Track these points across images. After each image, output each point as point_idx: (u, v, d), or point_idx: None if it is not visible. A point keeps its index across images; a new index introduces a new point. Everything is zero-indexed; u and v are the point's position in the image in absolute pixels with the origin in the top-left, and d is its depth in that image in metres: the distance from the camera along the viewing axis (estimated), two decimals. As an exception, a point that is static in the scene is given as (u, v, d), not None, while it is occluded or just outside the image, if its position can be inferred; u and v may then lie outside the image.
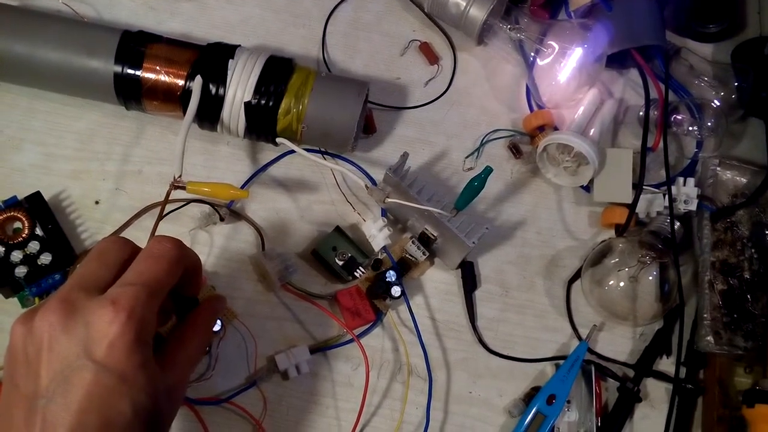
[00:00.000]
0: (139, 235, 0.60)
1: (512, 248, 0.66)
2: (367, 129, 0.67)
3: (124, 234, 0.60)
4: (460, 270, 0.64)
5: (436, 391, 0.61)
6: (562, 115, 0.69)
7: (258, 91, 0.60)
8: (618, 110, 0.70)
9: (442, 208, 0.58)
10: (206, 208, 0.62)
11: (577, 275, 0.65)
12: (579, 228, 0.67)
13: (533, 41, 0.68)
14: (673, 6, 0.72)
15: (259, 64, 0.61)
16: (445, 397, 0.62)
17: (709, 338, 0.61)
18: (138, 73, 0.60)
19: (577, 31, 0.66)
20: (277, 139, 0.62)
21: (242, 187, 0.65)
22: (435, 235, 0.61)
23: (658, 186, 0.66)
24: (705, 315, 0.62)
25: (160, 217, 0.58)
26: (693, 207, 0.64)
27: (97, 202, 0.63)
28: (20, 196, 0.60)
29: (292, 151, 0.64)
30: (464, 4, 0.67)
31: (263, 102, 0.60)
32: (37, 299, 0.58)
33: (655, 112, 0.67)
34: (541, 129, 0.67)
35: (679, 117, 0.67)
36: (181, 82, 0.60)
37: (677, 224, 0.64)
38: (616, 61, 0.68)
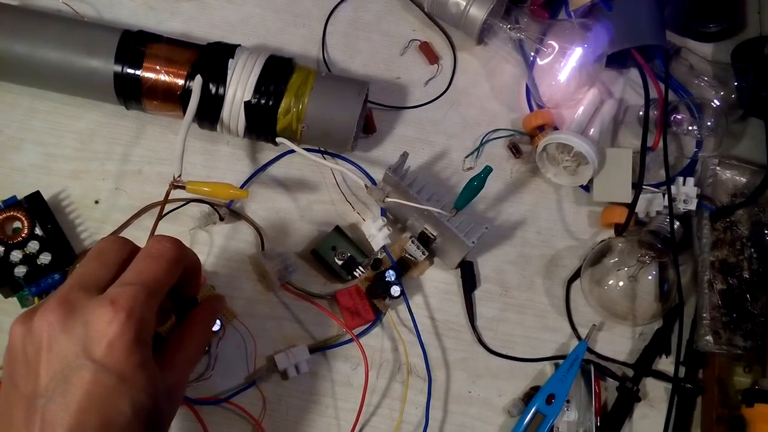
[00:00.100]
0: (138, 234, 0.60)
1: (512, 248, 0.66)
2: (367, 129, 0.67)
3: (124, 234, 0.61)
4: (459, 269, 0.64)
5: (435, 391, 0.61)
6: (561, 115, 0.69)
7: (258, 90, 0.60)
8: (618, 110, 0.70)
9: (441, 208, 0.58)
10: (206, 207, 0.62)
11: (576, 275, 0.65)
12: (578, 227, 0.67)
13: (533, 41, 0.68)
14: (673, 6, 0.72)
15: (259, 64, 0.61)
16: (444, 396, 0.62)
17: (709, 338, 0.61)
18: (138, 72, 0.60)
19: (577, 30, 0.66)
20: (277, 139, 0.62)
21: (242, 186, 0.65)
22: (434, 234, 0.61)
23: (657, 185, 0.66)
24: (704, 314, 0.62)
25: (160, 217, 0.58)
26: (692, 206, 0.64)
27: (96, 202, 0.64)
28: (20, 196, 0.60)
29: (292, 151, 0.64)
30: (464, 3, 0.67)
31: (263, 101, 0.60)
32: (36, 299, 0.59)
33: (655, 112, 0.67)
34: (541, 129, 0.67)
35: (678, 117, 0.67)
36: (181, 82, 0.60)
37: (677, 224, 0.64)
38: (616, 60, 0.68)
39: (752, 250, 0.64)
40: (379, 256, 0.62)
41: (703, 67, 0.70)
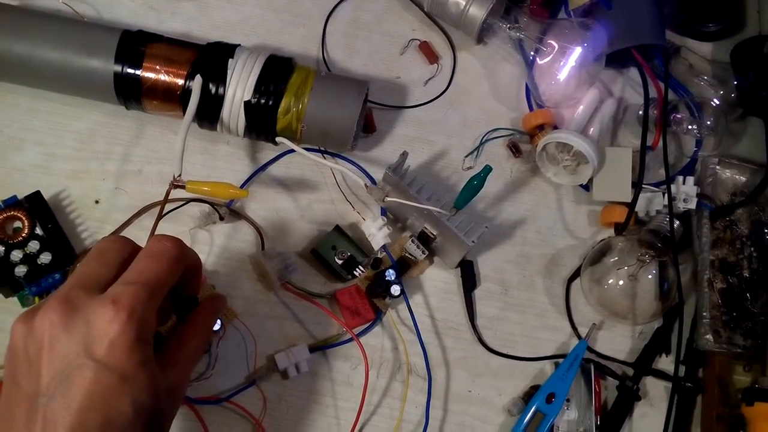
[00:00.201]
0: (139, 234, 0.60)
1: (512, 247, 0.66)
2: (367, 128, 0.67)
3: (124, 233, 0.61)
4: (459, 269, 0.64)
5: (435, 390, 0.61)
6: (561, 114, 0.69)
7: (258, 90, 0.60)
8: (617, 109, 0.70)
9: (441, 207, 0.58)
10: (206, 207, 0.62)
11: (576, 274, 0.65)
12: (578, 227, 0.67)
13: (533, 40, 0.68)
14: (673, 5, 0.72)
15: (258, 64, 0.61)
16: (444, 395, 0.62)
17: (709, 336, 0.61)
18: (138, 72, 0.60)
19: (576, 30, 0.66)
20: (277, 139, 0.62)
21: (242, 186, 0.65)
22: (434, 234, 0.61)
23: (657, 185, 0.66)
24: (704, 313, 0.62)
25: (160, 217, 0.58)
26: (692, 205, 0.64)
27: (97, 202, 0.64)
28: (20, 196, 0.60)
29: (292, 151, 0.64)
30: (464, 3, 0.67)
31: (263, 101, 0.60)
32: (36, 299, 0.59)
33: (655, 111, 0.67)
34: (541, 128, 0.67)
35: (678, 116, 0.67)
36: (180, 82, 0.60)
37: (676, 223, 0.64)
38: (616, 60, 0.68)
39: (752, 249, 0.64)
40: (379, 256, 0.62)
41: (703, 67, 0.70)
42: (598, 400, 0.61)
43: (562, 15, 0.73)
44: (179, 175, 0.57)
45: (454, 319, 0.64)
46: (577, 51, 0.65)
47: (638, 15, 0.67)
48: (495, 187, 0.67)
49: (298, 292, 0.62)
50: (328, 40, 0.71)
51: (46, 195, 0.61)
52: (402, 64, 0.71)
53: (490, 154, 0.69)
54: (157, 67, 0.60)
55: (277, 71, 0.61)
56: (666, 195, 0.64)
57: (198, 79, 0.59)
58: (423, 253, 0.62)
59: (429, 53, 0.71)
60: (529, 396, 0.61)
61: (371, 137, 0.68)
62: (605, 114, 0.68)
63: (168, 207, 0.60)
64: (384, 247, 0.62)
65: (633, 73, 0.71)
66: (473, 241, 0.57)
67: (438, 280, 0.64)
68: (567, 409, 0.61)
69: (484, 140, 0.68)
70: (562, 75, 0.66)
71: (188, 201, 0.62)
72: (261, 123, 0.61)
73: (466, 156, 0.68)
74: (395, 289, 0.60)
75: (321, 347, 0.61)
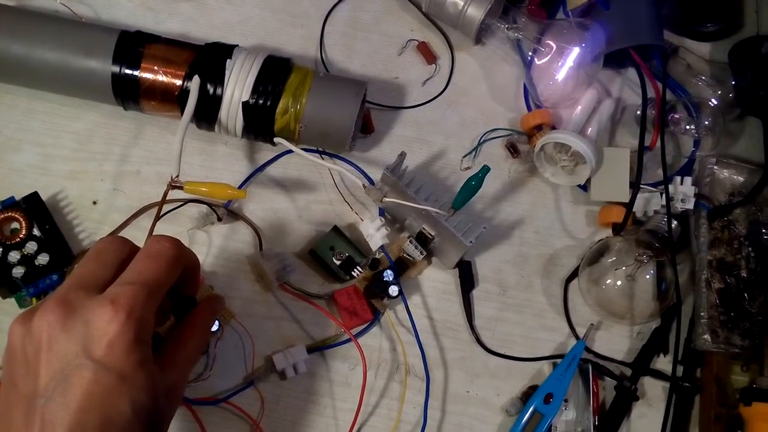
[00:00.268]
0: (137, 235, 0.60)
1: (510, 247, 0.66)
2: (365, 128, 0.67)
3: (122, 234, 0.60)
4: (457, 269, 0.64)
5: (433, 391, 0.61)
6: (559, 115, 0.69)
7: (256, 90, 0.60)
8: (615, 109, 0.70)
9: (439, 208, 0.58)
10: (204, 208, 0.62)
11: (574, 274, 0.65)
12: (576, 227, 0.67)
13: (531, 41, 0.68)
14: (671, 5, 0.72)
15: (256, 64, 0.61)
16: (442, 396, 0.62)
17: (706, 336, 0.61)
18: (136, 73, 0.60)
19: (574, 30, 0.66)
20: (275, 139, 0.62)
21: (240, 187, 0.65)
22: (432, 234, 0.61)
23: (655, 185, 0.66)
24: (702, 313, 0.62)
25: (158, 217, 0.58)
26: (690, 206, 0.64)
27: (94, 203, 0.64)
28: (18, 197, 0.60)
29: (290, 151, 0.64)
30: (462, 3, 0.67)
31: (261, 102, 0.60)
32: (34, 300, 0.59)
33: (653, 111, 0.67)
34: (539, 128, 0.67)
35: (676, 116, 0.67)
36: (178, 82, 0.60)
37: (674, 223, 0.64)
38: (614, 60, 0.68)
39: (750, 249, 0.64)
40: (377, 256, 0.62)
41: (701, 67, 0.70)
42: (596, 401, 0.61)
43: (560, 15, 0.73)
44: (177, 176, 0.57)
45: (452, 320, 0.64)
46: (575, 51, 0.65)
47: (636, 15, 0.67)
48: (493, 187, 0.67)
49: (296, 292, 0.62)
50: (327, 41, 0.71)
51: (44, 196, 0.61)
52: (400, 64, 0.71)
53: (488, 155, 0.69)
54: (155, 67, 0.60)
55: (275, 72, 0.61)
56: (664, 195, 0.64)
57: (196, 79, 0.59)
58: (421, 253, 0.62)
59: (427, 54, 0.71)
60: (527, 396, 0.61)
61: (369, 138, 0.68)
62: (603, 114, 0.68)
63: (166, 208, 0.60)
64: (382, 248, 0.62)
65: (631, 73, 0.71)
66: (471, 242, 0.57)
67: (436, 281, 0.64)
68: (565, 409, 0.61)
69: (482, 140, 0.68)
70: (560, 75, 0.66)
71: (186, 202, 0.62)
72: (259, 123, 0.61)
73: (464, 156, 0.68)
74: (393, 290, 0.60)
75: (319, 348, 0.61)
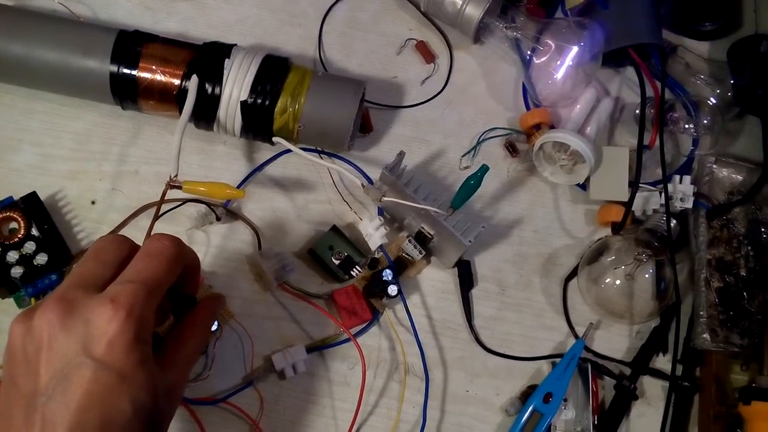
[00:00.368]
0: (135, 234, 0.60)
1: (509, 246, 0.66)
2: (364, 128, 0.67)
3: (121, 234, 0.60)
4: (456, 269, 0.64)
5: (432, 390, 0.61)
6: (558, 114, 0.69)
7: (254, 90, 0.60)
8: (614, 108, 0.70)
9: (438, 207, 0.58)
10: (202, 207, 0.62)
11: (573, 273, 0.65)
12: (575, 226, 0.67)
13: (530, 40, 0.68)
14: (670, 4, 0.72)
15: (255, 63, 0.61)
16: (442, 396, 0.62)
17: (706, 336, 0.61)
18: (134, 72, 0.60)
19: (573, 29, 0.66)
20: (274, 139, 0.62)
21: (239, 186, 0.65)
22: (431, 233, 0.61)
23: (654, 184, 0.66)
24: (701, 312, 0.62)
25: (156, 217, 0.58)
26: (689, 205, 0.64)
27: (93, 203, 0.63)
28: (16, 197, 0.60)
29: (289, 151, 0.64)
30: (460, 2, 0.67)
31: (259, 101, 0.60)
32: (33, 300, 0.58)
33: (652, 110, 0.67)
34: (538, 127, 0.67)
35: (675, 115, 0.67)
36: (177, 82, 0.60)
37: (673, 222, 0.64)
38: (613, 59, 0.68)
39: (749, 247, 0.64)
40: (376, 256, 0.62)
41: (700, 66, 0.70)
42: (596, 400, 0.61)
43: (558, 14, 0.73)
44: (176, 176, 0.57)
45: (452, 319, 0.64)
46: (574, 50, 0.65)
47: (635, 14, 0.67)
48: (492, 186, 0.67)
49: (295, 292, 0.62)
50: (325, 40, 0.71)
51: (43, 196, 0.61)
52: (399, 63, 0.71)
53: (487, 154, 0.69)
54: (154, 67, 0.60)
55: (274, 71, 0.61)
56: (663, 194, 0.64)
57: (194, 79, 0.59)
58: (420, 253, 0.62)
59: (426, 53, 0.71)
60: (526, 396, 0.61)
61: (368, 137, 0.68)
62: (602, 113, 0.68)
63: (164, 207, 0.60)
64: (381, 247, 0.61)
65: (630, 72, 0.71)
66: (470, 241, 0.57)
67: (435, 280, 0.64)
68: (564, 408, 0.61)
69: (481, 140, 0.68)
70: (559, 74, 0.66)
71: (185, 201, 0.62)
72: (257, 123, 0.61)
73: (463, 155, 0.68)
74: (392, 289, 0.60)
75: (318, 347, 0.61)
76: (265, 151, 0.66)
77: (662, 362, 0.64)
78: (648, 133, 0.66)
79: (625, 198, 0.64)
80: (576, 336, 0.64)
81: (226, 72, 0.60)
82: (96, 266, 0.44)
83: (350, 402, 0.60)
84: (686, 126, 0.67)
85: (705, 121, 0.67)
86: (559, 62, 0.66)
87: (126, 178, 0.64)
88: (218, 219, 0.63)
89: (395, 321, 0.63)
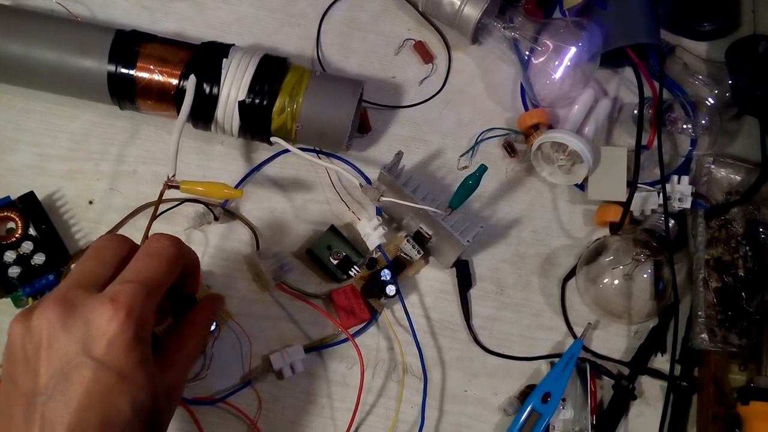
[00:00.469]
0: (134, 234, 0.59)
1: (507, 247, 0.66)
2: (362, 128, 0.67)
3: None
4: (455, 269, 0.64)
5: (431, 390, 0.61)
6: (556, 114, 0.69)
7: (252, 90, 0.60)
8: (612, 108, 0.70)
9: (436, 207, 0.58)
10: (200, 207, 0.62)
11: (572, 273, 0.65)
12: (574, 226, 0.67)
13: (528, 40, 0.68)
14: (668, 4, 0.72)
15: (253, 63, 0.60)
16: (440, 395, 0.62)
17: (704, 336, 0.61)
18: (132, 72, 0.60)
19: (571, 29, 0.66)
20: (272, 139, 0.62)
21: (237, 186, 0.65)
22: (430, 233, 0.61)
23: (652, 184, 0.66)
24: (699, 312, 0.62)
25: (154, 217, 0.58)
26: (687, 205, 0.64)
27: (91, 202, 0.63)
28: (14, 196, 0.60)
29: (287, 151, 0.64)
30: (459, 3, 0.67)
31: (257, 101, 0.60)
32: (30, 299, 0.58)
33: (650, 111, 0.67)
34: (536, 127, 0.67)
35: (673, 115, 0.67)
36: (174, 82, 0.60)
37: (671, 222, 0.64)
38: (611, 59, 0.68)
39: (747, 248, 0.64)
40: (374, 256, 0.62)
41: (698, 66, 0.70)
42: (594, 400, 0.61)
43: (556, 14, 0.73)
44: (173, 176, 0.57)
45: (450, 319, 0.64)
46: (572, 50, 0.65)
47: (633, 14, 0.67)
48: (490, 186, 0.67)
49: (294, 292, 0.62)
50: (323, 40, 0.71)
51: (40, 195, 0.61)
52: (397, 63, 0.71)
53: (485, 154, 0.69)
54: (151, 66, 0.60)
55: (272, 71, 0.61)
56: (661, 194, 0.64)
57: (192, 78, 0.59)
58: (418, 252, 0.62)
59: (424, 53, 0.71)
60: (524, 396, 0.61)
61: (366, 137, 0.68)
62: (600, 113, 0.68)
63: (162, 207, 0.60)
64: (379, 247, 0.61)
65: (628, 72, 0.71)
66: (468, 241, 0.57)
67: (433, 280, 0.64)
68: (563, 408, 0.61)
69: (479, 140, 0.68)
70: (557, 74, 0.66)
71: (183, 201, 0.62)
72: (255, 123, 0.61)
73: (462, 156, 0.68)
74: (390, 289, 0.60)
75: (316, 347, 0.61)
76: (263, 151, 0.66)
77: (661, 362, 0.64)
78: (646, 134, 0.67)
79: (624, 198, 0.64)
80: (574, 336, 0.64)
81: (224, 72, 0.60)
82: (96, 266, 0.44)
83: (348, 402, 0.60)
84: (684, 126, 0.67)
85: (703, 122, 0.67)
86: (557, 62, 0.66)
87: (124, 178, 0.64)
88: (216, 219, 0.63)
89: (393, 321, 0.63)
